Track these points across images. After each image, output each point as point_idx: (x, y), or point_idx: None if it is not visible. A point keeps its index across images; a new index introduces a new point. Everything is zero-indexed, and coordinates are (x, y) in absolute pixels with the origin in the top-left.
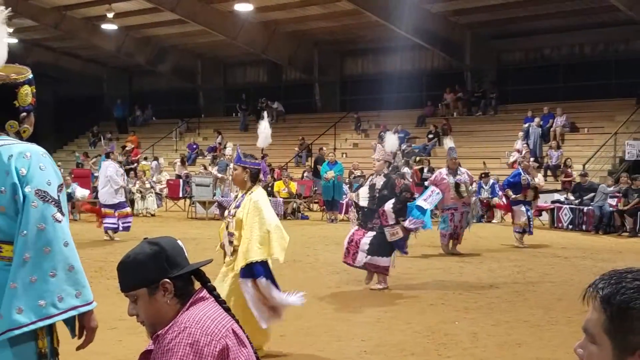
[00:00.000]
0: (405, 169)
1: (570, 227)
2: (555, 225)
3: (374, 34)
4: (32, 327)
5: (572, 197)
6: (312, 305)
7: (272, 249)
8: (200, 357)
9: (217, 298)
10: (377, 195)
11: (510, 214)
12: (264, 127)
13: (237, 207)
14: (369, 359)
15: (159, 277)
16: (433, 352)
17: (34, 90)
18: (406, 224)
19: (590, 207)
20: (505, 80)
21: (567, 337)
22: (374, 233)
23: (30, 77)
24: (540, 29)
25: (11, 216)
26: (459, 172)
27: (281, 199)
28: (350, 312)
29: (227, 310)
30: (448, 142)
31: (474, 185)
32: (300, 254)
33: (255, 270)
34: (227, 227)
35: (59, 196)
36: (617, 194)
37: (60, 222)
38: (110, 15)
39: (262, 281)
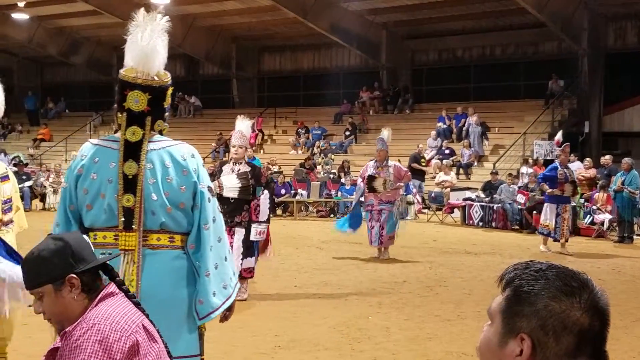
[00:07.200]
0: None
1: (480, 224)
2: (467, 222)
3: (292, 31)
4: (223, 307)
5: (482, 195)
6: None
7: None
8: (110, 353)
9: (127, 293)
10: (249, 184)
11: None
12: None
13: None
14: (282, 354)
15: (64, 272)
16: (346, 347)
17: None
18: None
19: (499, 204)
20: (420, 80)
21: (475, 331)
22: (243, 231)
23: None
24: (452, 30)
25: (187, 211)
26: (386, 164)
27: None
28: (265, 307)
29: (137, 305)
30: (383, 133)
31: (406, 182)
32: None
33: None
34: None
35: None
36: (523, 191)
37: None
38: (21, 4)
39: None
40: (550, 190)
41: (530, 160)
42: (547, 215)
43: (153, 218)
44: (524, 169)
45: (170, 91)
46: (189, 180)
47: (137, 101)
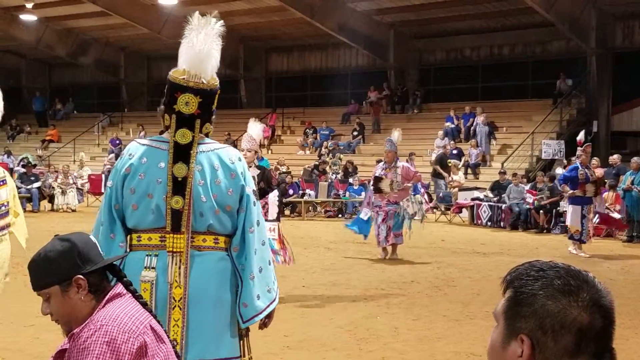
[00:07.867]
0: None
1: (488, 224)
2: (475, 222)
3: (299, 31)
4: (267, 310)
5: (490, 195)
6: None
7: None
8: (118, 355)
9: (134, 293)
10: (258, 188)
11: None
12: None
13: None
14: (291, 355)
15: (71, 273)
16: (354, 347)
17: None
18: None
19: (507, 204)
20: (427, 80)
21: (484, 331)
22: None
23: None
24: (460, 30)
25: (232, 214)
26: (395, 165)
27: None
28: None
29: (144, 305)
30: (394, 134)
31: (415, 182)
32: None
33: None
34: None
35: None
36: (532, 191)
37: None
38: (29, 5)
39: None
40: (571, 191)
41: (565, 161)
42: (573, 220)
43: (201, 220)
44: (559, 170)
45: (218, 94)
46: (237, 184)
47: (187, 104)
